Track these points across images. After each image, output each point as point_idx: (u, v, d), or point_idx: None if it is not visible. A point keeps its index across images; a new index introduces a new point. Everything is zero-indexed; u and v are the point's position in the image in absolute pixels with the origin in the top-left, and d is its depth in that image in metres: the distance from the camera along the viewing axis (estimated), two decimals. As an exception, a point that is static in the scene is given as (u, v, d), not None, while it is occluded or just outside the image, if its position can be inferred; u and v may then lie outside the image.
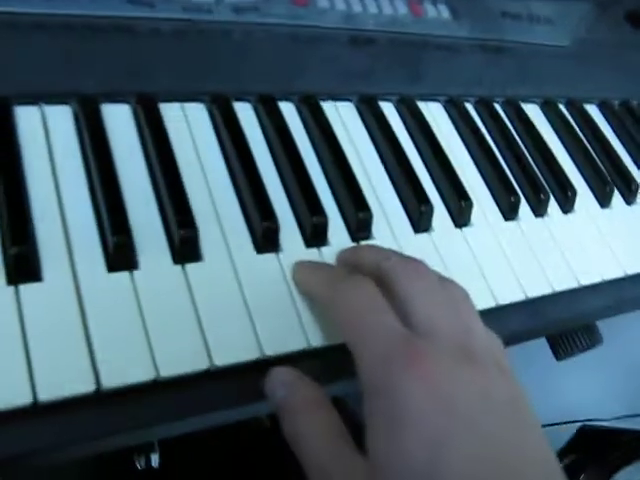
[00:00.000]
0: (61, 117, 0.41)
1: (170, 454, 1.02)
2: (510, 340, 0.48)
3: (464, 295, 0.37)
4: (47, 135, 0.40)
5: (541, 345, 0.63)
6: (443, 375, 0.31)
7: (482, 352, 0.33)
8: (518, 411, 0.32)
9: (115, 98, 0.43)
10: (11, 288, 0.34)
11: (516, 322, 0.48)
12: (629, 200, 0.58)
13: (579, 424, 0.97)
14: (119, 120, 0.42)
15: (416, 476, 0.29)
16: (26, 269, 0.35)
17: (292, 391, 0.35)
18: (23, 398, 0.31)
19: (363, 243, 0.44)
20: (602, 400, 1.03)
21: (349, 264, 0.41)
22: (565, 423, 0.98)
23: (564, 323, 0.54)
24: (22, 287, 0.34)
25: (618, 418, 0.99)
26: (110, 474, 1.03)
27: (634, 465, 0.90)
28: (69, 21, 0.43)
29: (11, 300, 0.34)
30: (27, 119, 0.40)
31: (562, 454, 0.92)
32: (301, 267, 0.40)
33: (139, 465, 1.04)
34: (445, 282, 0.37)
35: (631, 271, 0.53)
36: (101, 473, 1.02)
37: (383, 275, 0.36)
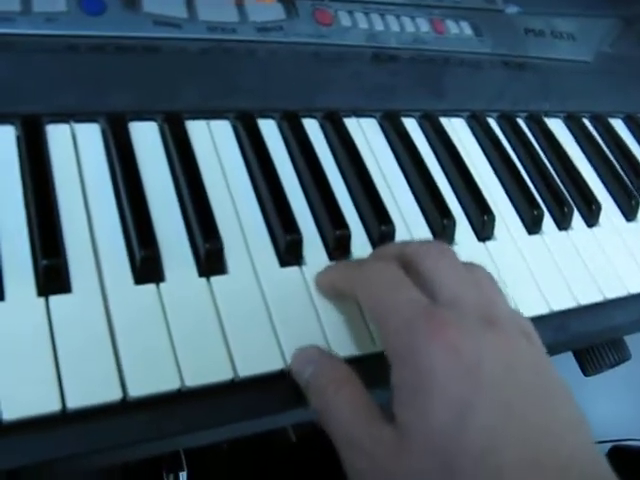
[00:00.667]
0: (90, 134, 0.42)
1: (198, 472, 1.03)
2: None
3: (489, 275, 0.37)
4: (77, 151, 0.41)
5: (569, 362, 0.63)
6: (466, 341, 0.31)
7: (506, 320, 0.34)
8: (543, 377, 0.32)
9: (142, 116, 0.44)
10: (41, 299, 0.35)
11: (541, 336, 0.48)
12: (656, 214, 0.58)
13: (611, 444, 0.95)
14: (146, 137, 0.43)
15: (441, 440, 0.29)
16: (56, 281, 0.36)
17: (319, 368, 0.36)
18: (52, 405, 0.32)
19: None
20: (634, 419, 1.02)
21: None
22: (597, 443, 0.96)
23: (590, 338, 0.53)
24: (52, 298, 0.35)
25: (650, 437, 0.98)
26: (139, 492, 1.04)
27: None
28: (99, 42, 0.44)
29: (41, 311, 0.34)
30: (58, 136, 0.41)
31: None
32: (321, 272, 0.41)
33: (168, 483, 1.04)
34: (470, 264, 0.38)
35: (658, 285, 0.53)
36: (130, 491, 1.03)
37: (407, 259, 0.37)
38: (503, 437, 0.29)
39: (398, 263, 0.36)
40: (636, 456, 0.92)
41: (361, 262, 0.40)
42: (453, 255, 0.37)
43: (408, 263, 0.36)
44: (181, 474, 1.03)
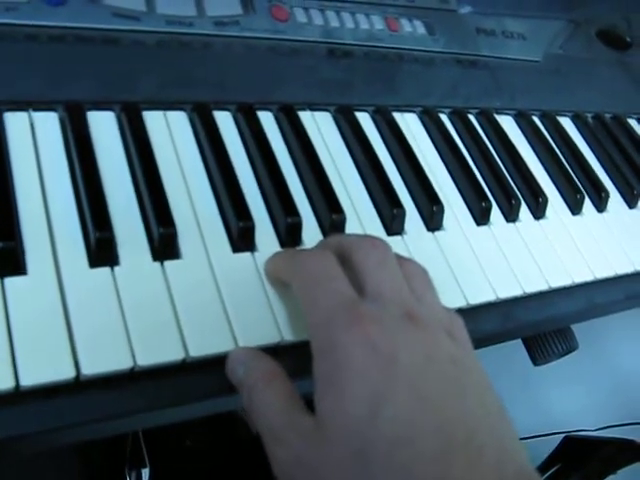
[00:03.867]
0: (48, 122, 0.43)
1: (161, 469, 1.03)
2: (483, 342, 0.50)
3: (421, 271, 0.39)
4: (34, 139, 0.42)
5: (520, 353, 0.65)
6: (384, 335, 0.32)
7: (429, 317, 0.35)
8: (460, 369, 0.33)
9: (100, 106, 0.45)
10: (-5, 280, 0.36)
11: (488, 324, 0.50)
12: (600, 208, 0.60)
13: (564, 434, 0.98)
14: (104, 126, 0.44)
15: (355, 432, 0.30)
16: (11, 263, 0.36)
17: (250, 367, 0.37)
18: (6, 383, 0.33)
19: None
20: (586, 410, 1.04)
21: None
22: (551, 434, 0.99)
23: (536, 326, 0.55)
24: (7, 280, 0.36)
25: (602, 428, 1.00)
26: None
27: (618, 474, 0.91)
28: (59, 32, 0.45)
29: (-5, 292, 0.35)
30: (15, 124, 0.42)
31: (547, 464, 0.93)
32: (268, 259, 0.42)
33: (130, 480, 1.04)
34: (403, 259, 0.39)
35: (601, 275, 0.55)
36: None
37: (343, 249, 0.38)
38: (416, 428, 0.30)
39: (334, 254, 0.37)
40: (587, 445, 0.95)
41: (297, 252, 0.41)
42: (386, 249, 0.38)
43: (343, 255, 0.38)
44: (143, 471, 1.03)
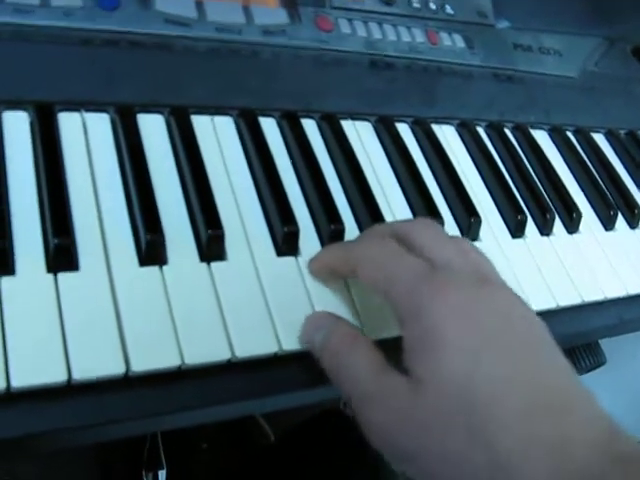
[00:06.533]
0: (100, 123, 0.44)
1: (177, 471, 1.03)
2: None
3: (473, 245, 0.41)
4: (87, 139, 0.43)
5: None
6: (466, 297, 0.34)
7: (494, 276, 0.38)
8: (534, 327, 0.36)
9: (150, 109, 0.46)
10: (50, 276, 0.36)
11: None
12: (632, 224, 0.61)
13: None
14: (153, 129, 0.45)
15: (456, 388, 0.32)
16: (65, 259, 0.37)
17: (331, 330, 0.38)
18: (59, 377, 0.34)
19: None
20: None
21: None
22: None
23: (568, 340, 0.55)
24: (60, 275, 0.37)
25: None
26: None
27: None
28: (112, 37, 0.46)
29: (50, 287, 0.36)
30: (69, 123, 0.43)
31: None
32: (315, 257, 0.43)
33: (147, 481, 1.05)
34: (455, 236, 0.42)
35: (633, 291, 0.55)
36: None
37: (397, 233, 0.39)
38: (509, 383, 0.32)
39: (392, 238, 0.39)
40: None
41: (355, 242, 0.42)
42: (438, 226, 0.41)
43: (399, 238, 0.39)
44: (160, 472, 1.04)
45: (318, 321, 0.39)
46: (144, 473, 1.03)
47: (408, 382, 0.34)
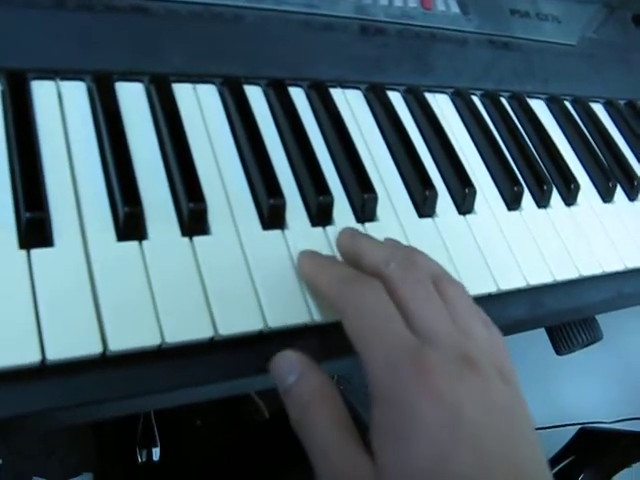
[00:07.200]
0: (76, 92, 0.42)
1: (171, 448, 1.03)
2: (510, 329, 0.49)
3: (460, 293, 0.38)
4: (62, 108, 0.41)
5: (542, 342, 0.64)
6: (448, 386, 0.32)
7: (482, 357, 0.35)
8: (516, 422, 0.34)
9: (129, 77, 0.44)
10: (23, 252, 0.35)
11: (516, 311, 0.49)
12: (631, 196, 0.59)
13: (579, 426, 0.97)
14: (132, 98, 0.43)
15: None
16: (38, 234, 0.36)
17: (302, 379, 0.36)
18: (32, 357, 0.32)
19: (367, 225, 0.45)
20: (603, 403, 1.04)
21: (349, 256, 0.41)
22: (566, 425, 0.98)
23: (565, 314, 0.54)
24: (34, 252, 0.35)
25: (618, 421, 0.99)
26: (112, 466, 1.04)
27: (633, 468, 0.90)
28: (87, 1, 0.44)
29: (23, 263, 0.34)
30: (43, 93, 0.41)
31: (561, 455, 0.92)
32: (307, 261, 0.41)
33: (140, 458, 1.05)
34: (441, 282, 0.38)
35: (631, 265, 0.54)
36: (104, 464, 1.03)
37: (384, 279, 0.37)
38: None
39: (383, 287, 0.36)
40: (602, 437, 0.94)
41: (348, 276, 0.38)
42: (427, 281, 0.37)
43: (385, 282, 0.37)
44: (154, 450, 1.04)
45: (293, 363, 0.37)
46: (138, 450, 1.03)
47: (372, 467, 0.32)
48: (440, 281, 0.38)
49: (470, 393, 0.32)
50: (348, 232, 0.43)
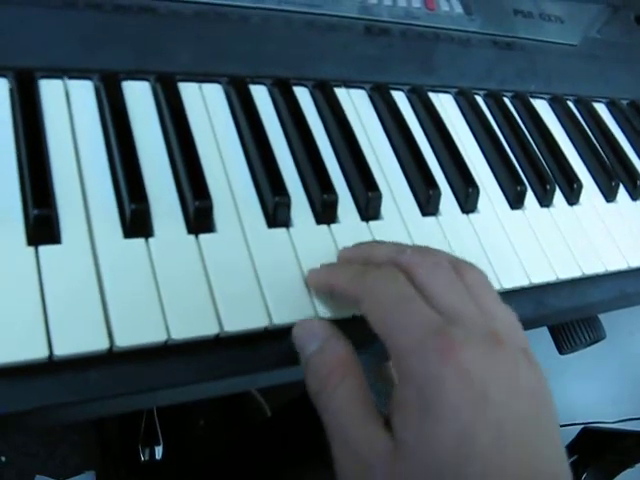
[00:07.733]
0: (83, 91, 0.42)
1: (174, 446, 1.03)
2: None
3: (481, 278, 0.38)
4: (69, 106, 0.41)
5: (545, 346, 0.64)
6: (475, 363, 0.31)
7: (507, 336, 0.34)
8: (540, 405, 0.33)
9: (135, 76, 0.44)
10: (31, 249, 0.35)
11: (520, 310, 0.49)
12: (634, 196, 0.59)
13: (581, 426, 0.97)
14: (139, 96, 0.44)
15: (443, 464, 0.30)
16: (46, 231, 0.36)
17: (325, 347, 0.36)
18: (39, 353, 0.32)
19: (371, 223, 0.45)
20: (606, 402, 1.04)
21: (358, 260, 0.41)
22: (568, 425, 0.98)
23: (568, 313, 0.54)
24: (41, 248, 0.35)
25: (621, 421, 0.99)
26: (115, 464, 1.05)
27: (636, 467, 0.90)
28: (97, 1, 0.44)
29: (30, 260, 0.35)
30: (51, 92, 0.41)
31: (564, 455, 0.92)
32: (318, 271, 0.40)
33: (143, 457, 1.05)
34: (461, 268, 0.37)
35: (634, 264, 0.54)
36: (107, 463, 1.04)
37: (404, 268, 0.36)
38: (500, 467, 0.30)
39: (401, 272, 0.36)
40: (605, 437, 0.94)
41: (364, 269, 0.38)
42: (446, 265, 0.37)
43: (405, 272, 0.36)
44: (157, 448, 1.04)
45: (314, 329, 0.36)
46: (141, 449, 1.04)
47: (390, 441, 0.32)
48: (459, 266, 0.37)
49: (497, 373, 0.32)
50: (347, 247, 0.42)
